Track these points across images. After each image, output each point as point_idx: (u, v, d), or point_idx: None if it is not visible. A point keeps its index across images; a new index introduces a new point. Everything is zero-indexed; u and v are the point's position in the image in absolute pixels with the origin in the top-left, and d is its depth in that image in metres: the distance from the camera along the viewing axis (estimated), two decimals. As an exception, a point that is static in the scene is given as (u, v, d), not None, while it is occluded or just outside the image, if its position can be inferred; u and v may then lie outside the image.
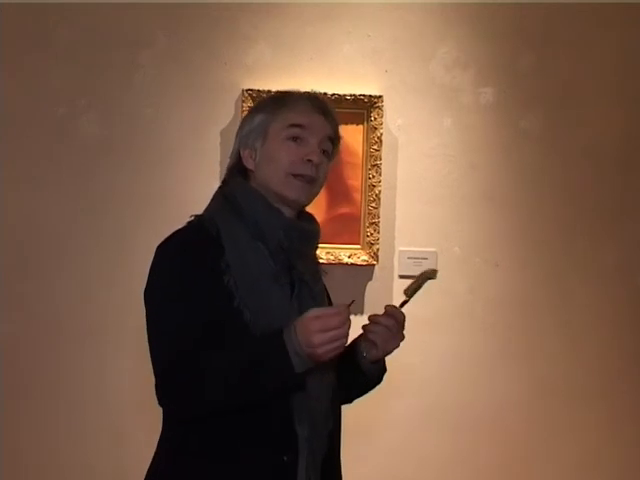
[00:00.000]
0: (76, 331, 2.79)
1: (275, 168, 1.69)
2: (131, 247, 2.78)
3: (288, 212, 1.71)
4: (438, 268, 2.88)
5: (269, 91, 2.77)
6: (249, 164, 1.72)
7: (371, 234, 2.84)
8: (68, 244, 2.80)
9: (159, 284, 1.66)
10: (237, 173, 1.75)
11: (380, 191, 2.85)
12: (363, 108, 2.83)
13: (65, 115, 2.79)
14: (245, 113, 2.74)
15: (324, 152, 1.72)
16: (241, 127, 1.77)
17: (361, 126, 2.85)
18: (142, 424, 2.76)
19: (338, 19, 2.86)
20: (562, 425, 2.98)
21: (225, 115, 2.83)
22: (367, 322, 1.73)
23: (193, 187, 2.80)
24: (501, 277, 2.96)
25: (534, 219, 2.97)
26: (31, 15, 2.77)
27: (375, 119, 2.83)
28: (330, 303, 1.84)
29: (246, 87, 2.79)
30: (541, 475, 2.98)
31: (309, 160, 1.68)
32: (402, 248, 2.90)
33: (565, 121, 2.97)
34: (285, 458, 1.60)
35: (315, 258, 1.81)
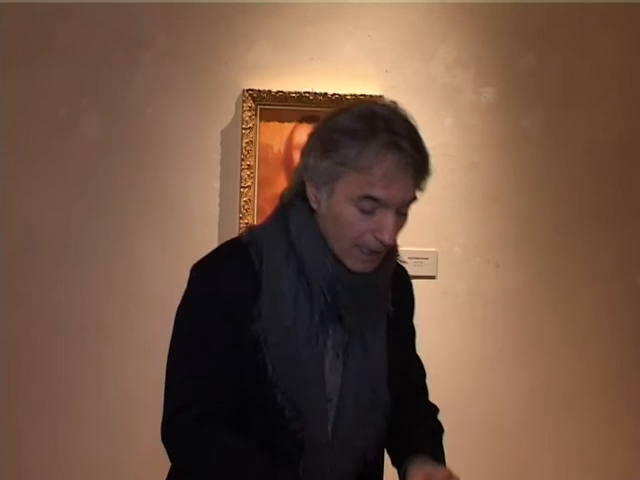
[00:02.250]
0: (76, 331, 2.79)
1: (340, 234, 1.44)
2: (131, 247, 2.78)
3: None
4: (439, 268, 2.94)
5: (269, 91, 2.77)
6: (312, 202, 1.48)
7: (372, 234, 2.83)
8: (68, 243, 2.79)
9: (189, 316, 1.52)
10: (301, 199, 1.50)
11: (380, 191, 2.84)
12: (363, 108, 2.82)
13: (66, 115, 2.79)
14: (246, 113, 2.77)
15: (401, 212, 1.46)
16: (308, 150, 1.48)
17: (361, 126, 2.85)
18: (142, 424, 2.76)
19: (339, 19, 2.86)
20: (562, 425, 2.98)
21: (225, 115, 2.83)
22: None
23: (193, 187, 2.80)
24: (502, 277, 2.96)
25: (535, 219, 2.97)
26: (31, 15, 2.76)
27: (375, 119, 2.83)
28: (408, 337, 1.70)
29: (246, 87, 2.79)
30: (541, 475, 2.98)
31: (380, 240, 1.43)
32: (403, 248, 2.88)
33: (565, 121, 2.97)
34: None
35: (377, 309, 1.55)
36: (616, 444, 3.01)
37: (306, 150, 1.50)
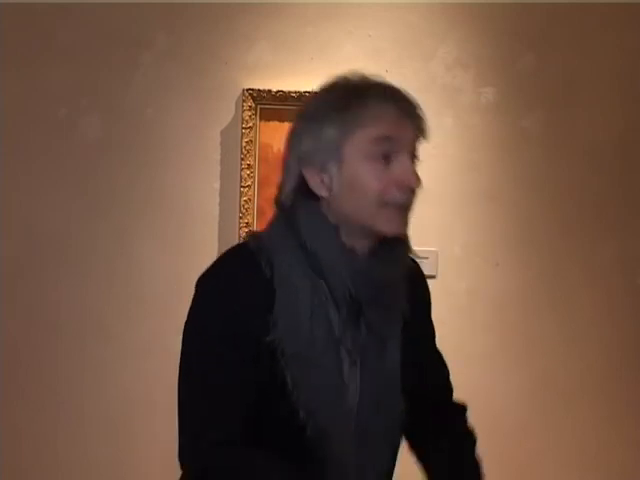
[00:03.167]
0: (76, 331, 2.79)
1: (363, 198, 1.36)
2: (131, 247, 2.78)
3: (363, 248, 1.40)
4: (438, 267, 2.94)
5: (269, 91, 2.77)
6: (319, 190, 1.39)
7: (372, 234, 2.83)
8: (68, 243, 2.79)
9: (200, 333, 1.40)
10: (302, 195, 1.41)
11: (381, 191, 2.84)
12: (363, 108, 2.82)
13: (66, 115, 2.79)
14: (246, 113, 2.77)
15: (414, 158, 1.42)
16: (297, 139, 1.42)
17: (361, 126, 2.85)
18: (142, 424, 2.76)
19: (339, 19, 2.86)
20: (562, 424, 2.98)
21: (225, 115, 2.83)
22: None
23: (193, 187, 2.80)
24: (501, 277, 2.95)
25: (535, 219, 2.97)
26: (31, 15, 2.76)
27: (376, 119, 2.83)
28: (426, 337, 1.63)
29: (247, 87, 2.79)
30: (541, 475, 2.97)
31: (407, 185, 1.37)
32: (403, 248, 2.90)
33: (565, 121, 2.97)
34: None
35: (397, 303, 1.47)
36: (616, 444, 3.00)
37: (293, 143, 1.44)
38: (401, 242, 1.44)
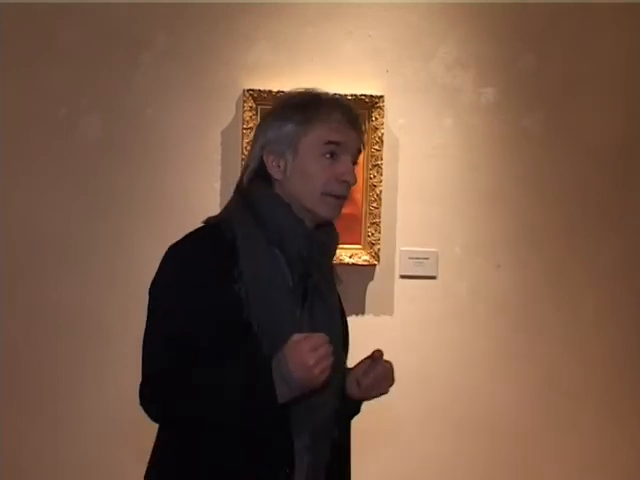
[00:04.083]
0: (76, 331, 2.79)
1: (309, 186, 1.65)
2: (131, 246, 2.78)
3: (309, 222, 1.67)
4: (439, 268, 2.94)
5: (270, 91, 2.77)
6: (275, 173, 1.67)
7: (372, 234, 2.84)
8: (68, 243, 2.79)
9: (166, 283, 1.64)
10: (259, 178, 1.68)
11: (381, 191, 2.84)
12: (364, 108, 2.82)
13: (66, 115, 2.79)
14: (247, 113, 2.77)
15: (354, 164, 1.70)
16: (262, 131, 1.70)
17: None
18: (143, 424, 2.76)
19: (339, 19, 2.86)
20: (565, 425, 2.98)
21: (226, 115, 2.83)
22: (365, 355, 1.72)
23: (193, 187, 2.80)
24: (502, 277, 2.95)
25: (535, 219, 2.97)
26: (31, 15, 2.76)
27: (376, 119, 2.83)
28: (343, 315, 1.81)
29: (247, 87, 2.79)
30: (544, 475, 2.97)
31: (344, 180, 1.65)
32: (403, 248, 2.90)
33: (566, 120, 2.97)
34: (287, 470, 1.58)
35: (331, 269, 1.76)
36: (619, 444, 3.00)
37: (259, 134, 1.70)
38: (333, 226, 1.74)
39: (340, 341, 1.70)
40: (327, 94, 1.72)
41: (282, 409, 1.53)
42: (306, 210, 1.66)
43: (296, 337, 1.50)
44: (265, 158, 1.67)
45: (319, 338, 1.49)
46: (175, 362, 1.59)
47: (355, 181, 1.68)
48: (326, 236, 1.71)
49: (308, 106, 1.67)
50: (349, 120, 1.67)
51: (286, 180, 1.66)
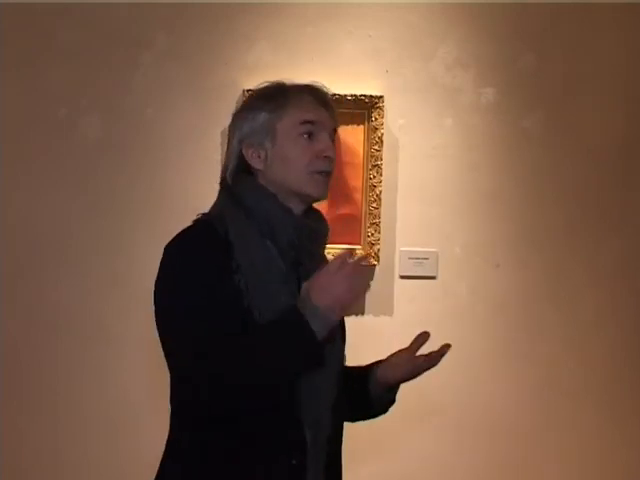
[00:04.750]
0: (76, 331, 2.79)
1: (294, 167, 1.67)
2: (131, 246, 2.78)
3: (298, 210, 1.70)
4: (439, 268, 2.94)
5: (269, 91, 2.77)
6: (256, 164, 1.69)
7: (372, 234, 2.84)
8: (68, 244, 2.80)
9: (171, 282, 1.62)
10: (242, 173, 1.71)
11: (381, 191, 2.84)
12: (364, 108, 2.83)
13: (66, 115, 2.79)
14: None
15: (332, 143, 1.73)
16: (238, 126, 1.73)
17: (362, 126, 2.85)
18: (142, 424, 2.76)
19: (339, 19, 2.86)
20: (565, 425, 2.98)
21: (226, 115, 2.77)
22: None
23: (193, 187, 2.79)
24: (502, 277, 2.95)
25: (535, 219, 2.96)
26: (31, 15, 2.76)
27: (376, 119, 2.83)
28: None
29: (246, 87, 2.78)
30: (544, 475, 2.97)
31: (326, 156, 1.68)
32: (403, 248, 2.90)
33: (566, 120, 2.97)
34: (294, 462, 1.59)
35: (323, 257, 1.78)
36: (619, 444, 3.00)
37: (234, 130, 1.73)
38: (320, 213, 1.77)
39: (338, 329, 1.69)
40: (292, 82, 1.75)
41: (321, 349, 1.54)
42: (294, 194, 1.68)
43: (316, 274, 1.53)
44: (245, 152, 1.70)
45: (331, 264, 1.52)
46: (209, 334, 1.55)
47: (335, 155, 1.71)
48: (315, 223, 1.73)
49: (277, 94, 1.71)
50: (319, 100, 1.71)
51: (268, 169, 1.68)
